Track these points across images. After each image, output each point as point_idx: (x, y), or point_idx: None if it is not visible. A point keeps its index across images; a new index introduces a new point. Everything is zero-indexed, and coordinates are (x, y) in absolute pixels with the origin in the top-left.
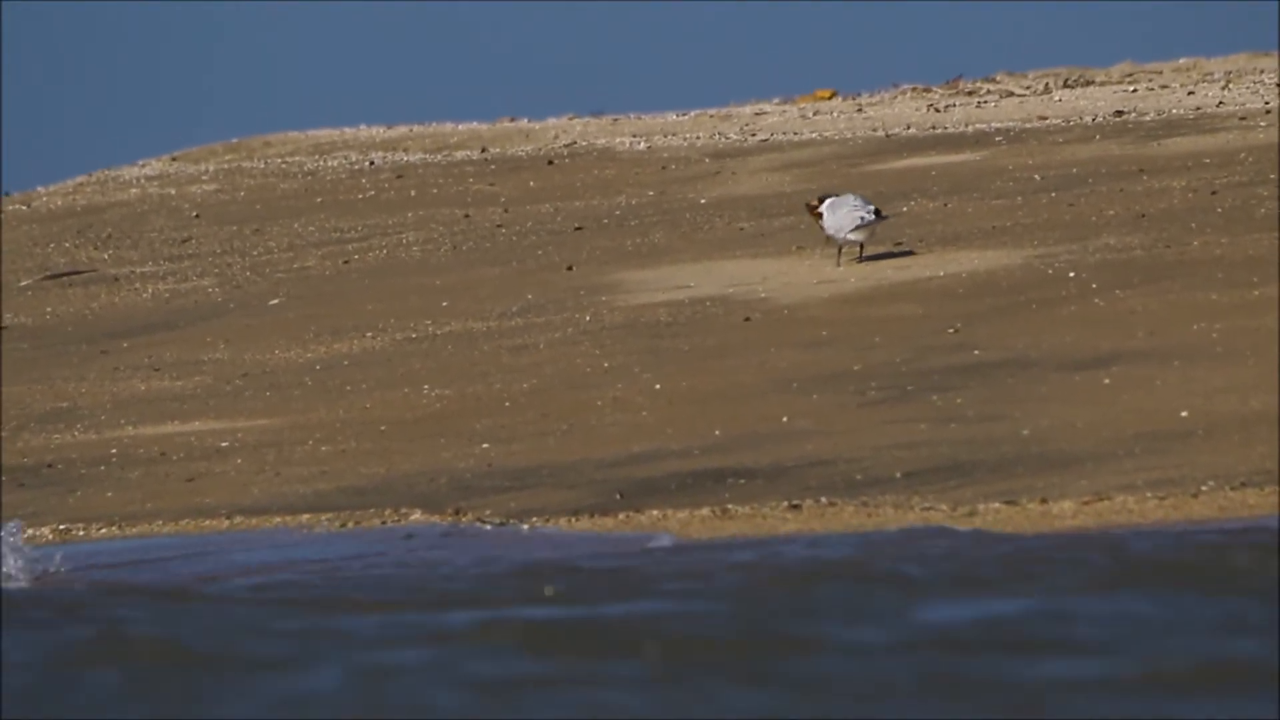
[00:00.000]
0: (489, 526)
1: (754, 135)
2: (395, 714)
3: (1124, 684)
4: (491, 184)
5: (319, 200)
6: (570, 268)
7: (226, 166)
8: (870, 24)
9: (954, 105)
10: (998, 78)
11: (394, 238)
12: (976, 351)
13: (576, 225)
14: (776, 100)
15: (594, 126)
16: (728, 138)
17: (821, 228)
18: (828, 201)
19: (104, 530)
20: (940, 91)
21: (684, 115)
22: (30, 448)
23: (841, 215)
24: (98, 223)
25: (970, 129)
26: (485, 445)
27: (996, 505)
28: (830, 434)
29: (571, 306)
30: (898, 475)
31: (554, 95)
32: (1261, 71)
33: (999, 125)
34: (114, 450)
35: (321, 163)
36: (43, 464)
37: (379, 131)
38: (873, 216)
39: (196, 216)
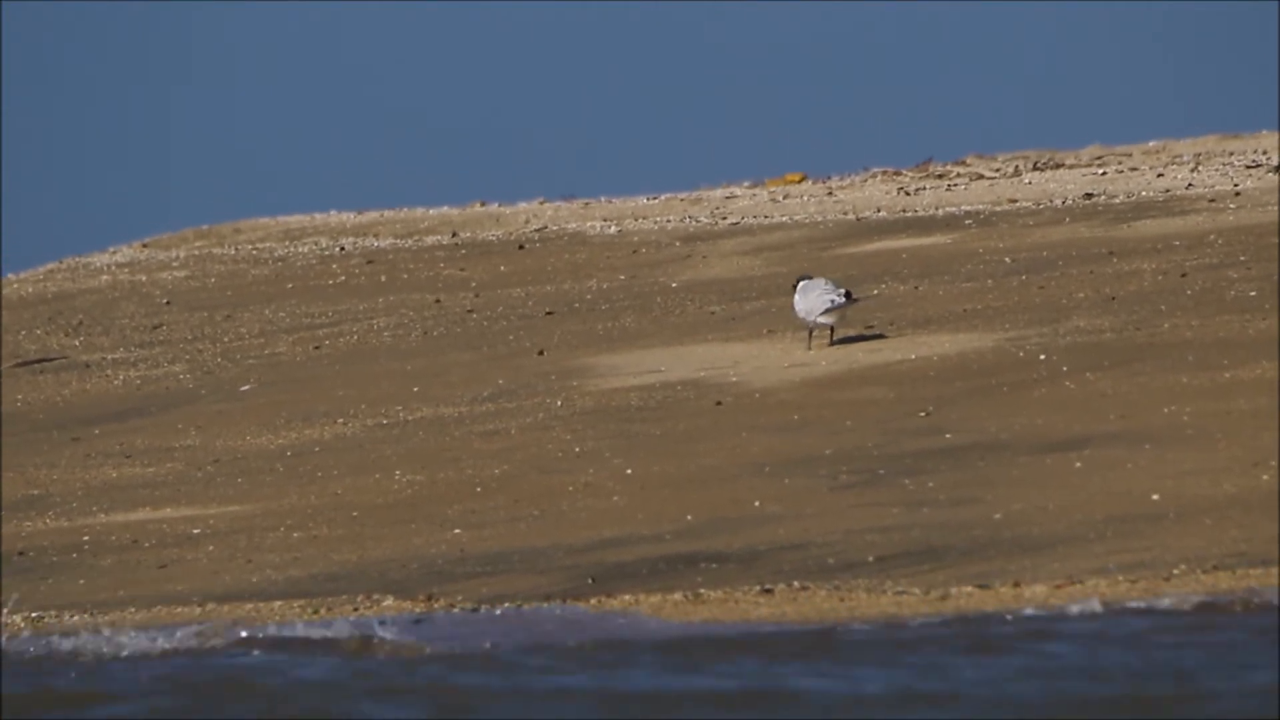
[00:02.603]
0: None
1: (724, 219)
2: None
3: None
4: (462, 269)
5: (290, 286)
6: (541, 352)
7: (197, 253)
8: (840, 107)
9: (924, 188)
10: (968, 160)
11: (365, 323)
12: (948, 435)
13: (547, 310)
14: (747, 183)
15: (565, 211)
16: (698, 221)
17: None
18: (800, 284)
19: (76, 618)
20: (910, 174)
21: (654, 199)
22: (2, 535)
23: (812, 298)
24: (68, 309)
25: (940, 212)
26: (457, 530)
27: (969, 589)
28: (802, 518)
29: (543, 391)
30: (870, 559)
31: (524, 179)
32: (1230, 154)
33: (969, 208)
34: (86, 537)
35: (292, 248)
36: (14, 551)
37: (349, 217)
38: (843, 300)
39: (167, 303)
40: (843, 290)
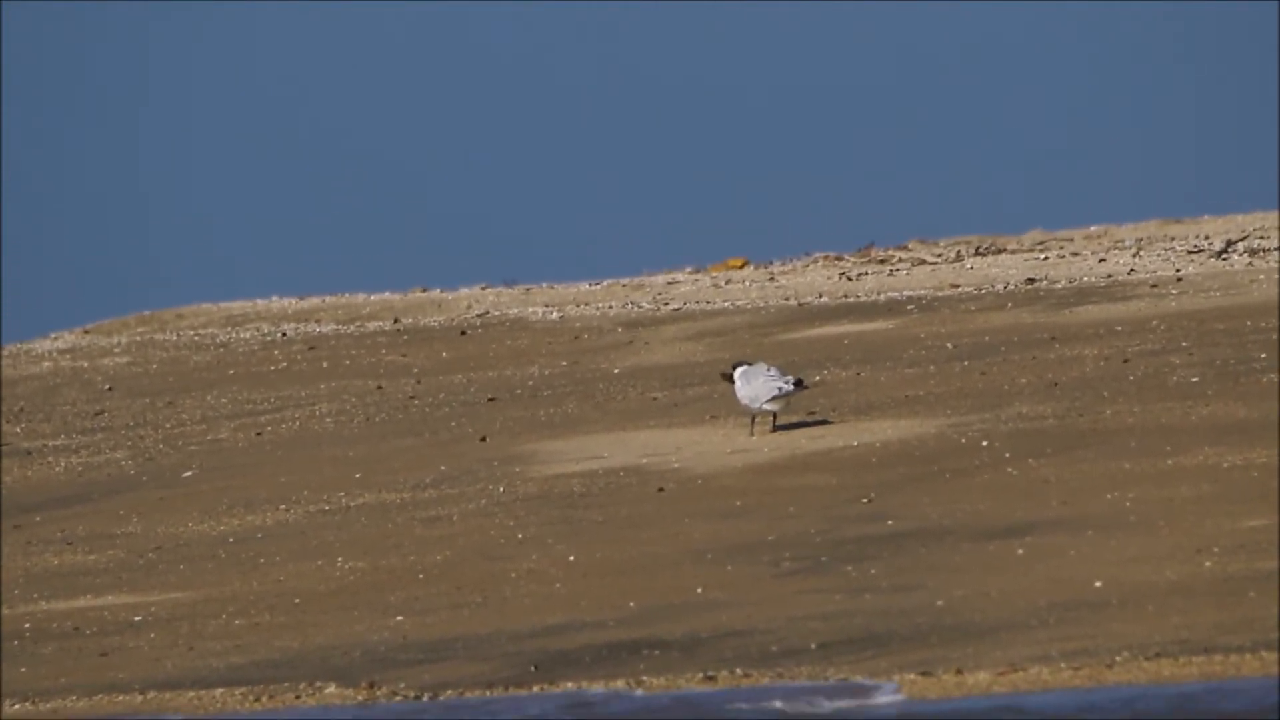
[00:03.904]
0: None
1: (666, 304)
2: None
3: None
4: (404, 355)
5: (231, 372)
6: (484, 438)
7: (139, 339)
8: (782, 192)
9: (866, 274)
10: (910, 245)
11: (307, 409)
12: (890, 521)
13: (489, 396)
14: (689, 269)
15: (506, 296)
16: (640, 307)
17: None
18: (740, 370)
19: (17, 707)
20: (852, 260)
21: (596, 285)
22: None
23: (758, 385)
24: (10, 396)
25: (882, 297)
26: (399, 617)
27: (912, 676)
28: (745, 605)
29: (485, 477)
30: (813, 646)
31: (466, 265)
32: (1172, 239)
33: (911, 293)
34: (27, 625)
35: (234, 334)
36: None
37: (291, 303)
38: (791, 387)
39: (109, 389)
40: (790, 378)
